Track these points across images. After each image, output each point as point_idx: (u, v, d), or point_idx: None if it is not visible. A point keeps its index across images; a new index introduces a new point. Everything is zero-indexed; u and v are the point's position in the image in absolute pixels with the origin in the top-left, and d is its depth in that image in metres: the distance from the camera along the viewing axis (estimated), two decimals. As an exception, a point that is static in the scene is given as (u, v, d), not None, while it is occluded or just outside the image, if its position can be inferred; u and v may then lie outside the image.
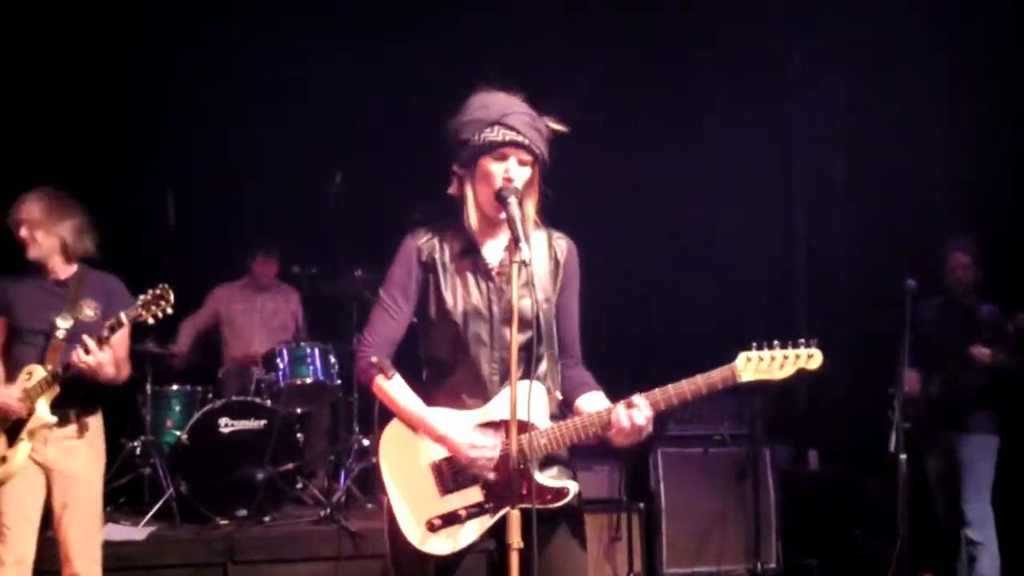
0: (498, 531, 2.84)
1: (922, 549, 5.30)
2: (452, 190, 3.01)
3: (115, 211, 5.96)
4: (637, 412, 2.79)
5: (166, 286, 3.97)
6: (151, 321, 3.99)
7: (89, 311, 4.17)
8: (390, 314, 2.98)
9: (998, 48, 6.01)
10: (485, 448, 2.81)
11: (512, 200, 2.80)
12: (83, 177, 6.50)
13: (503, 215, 2.84)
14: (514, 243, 2.73)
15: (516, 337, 2.71)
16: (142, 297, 3.98)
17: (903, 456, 4.95)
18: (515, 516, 2.62)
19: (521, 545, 2.62)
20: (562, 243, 3.06)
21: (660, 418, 2.91)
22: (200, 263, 7.02)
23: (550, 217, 3.05)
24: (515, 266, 2.72)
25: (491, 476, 2.83)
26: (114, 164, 6.90)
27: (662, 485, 6.10)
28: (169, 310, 3.98)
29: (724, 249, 7.40)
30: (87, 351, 3.90)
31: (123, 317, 3.95)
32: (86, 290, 4.22)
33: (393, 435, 2.96)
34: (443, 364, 2.97)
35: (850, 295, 7.45)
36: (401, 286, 2.99)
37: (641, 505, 6.07)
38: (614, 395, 2.95)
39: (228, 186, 7.29)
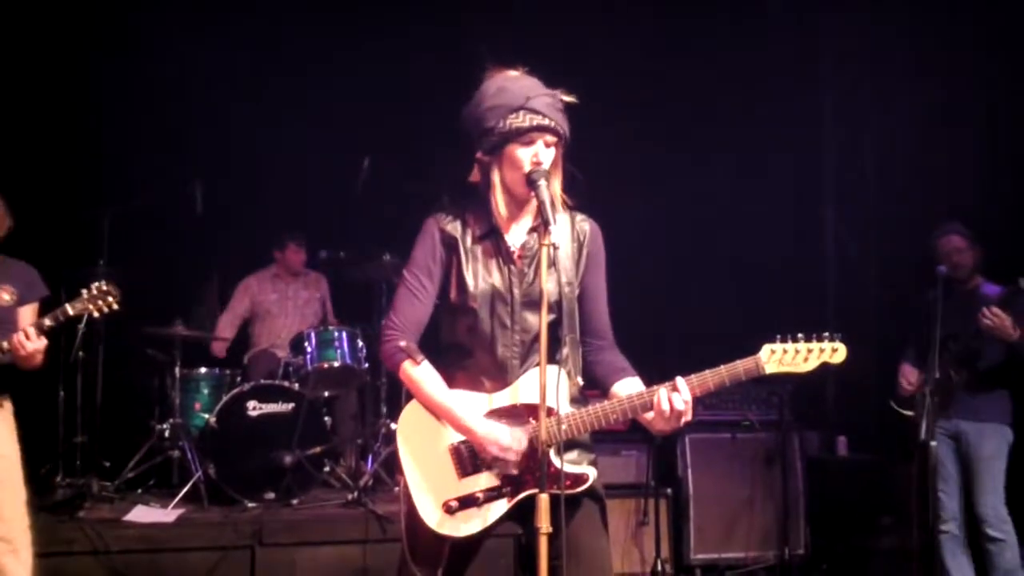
0: (519, 516, 2.84)
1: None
2: (475, 177, 2.98)
3: (142, 201, 6.02)
4: (677, 396, 2.76)
5: (113, 282, 4.00)
6: (96, 315, 4.02)
7: (6, 295, 4.18)
8: (416, 295, 2.93)
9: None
10: (511, 449, 2.79)
11: (542, 183, 2.78)
12: (110, 168, 6.58)
13: (533, 198, 2.82)
14: (543, 226, 2.71)
15: (545, 320, 2.69)
16: (86, 292, 4.00)
17: (933, 443, 4.88)
18: (544, 501, 2.61)
19: (550, 530, 2.60)
20: (585, 226, 3.03)
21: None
22: (228, 251, 7.03)
23: (578, 208, 3.01)
24: (545, 249, 2.70)
25: (513, 472, 2.82)
26: (141, 155, 6.92)
27: (690, 471, 6.09)
28: (115, 306, 4.01)
29: (752, 239, 7.36)
30: (28, 337, 3.92)
31: (68, 309, 3.98)
32: (3, 276, 4.22)
33: (412, 415, 2.93)
34: (463, 347, 2.94)
35: (879, 282, 7.39)
36: (425, 267, 2.94)
37: (669, 490, 6.05)
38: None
39: (254, 174, 7.29)
